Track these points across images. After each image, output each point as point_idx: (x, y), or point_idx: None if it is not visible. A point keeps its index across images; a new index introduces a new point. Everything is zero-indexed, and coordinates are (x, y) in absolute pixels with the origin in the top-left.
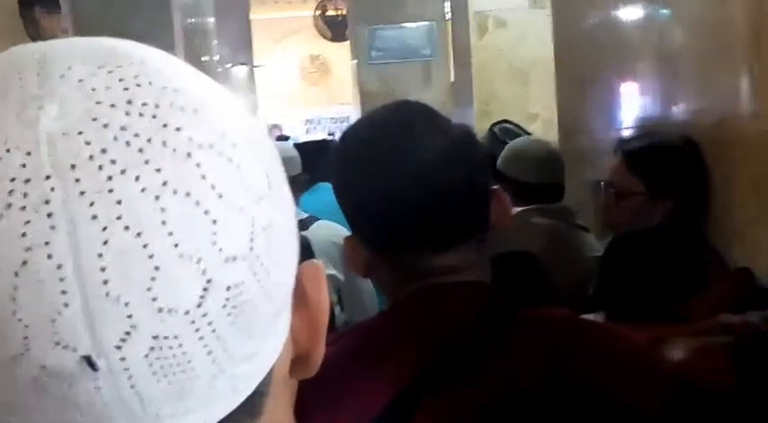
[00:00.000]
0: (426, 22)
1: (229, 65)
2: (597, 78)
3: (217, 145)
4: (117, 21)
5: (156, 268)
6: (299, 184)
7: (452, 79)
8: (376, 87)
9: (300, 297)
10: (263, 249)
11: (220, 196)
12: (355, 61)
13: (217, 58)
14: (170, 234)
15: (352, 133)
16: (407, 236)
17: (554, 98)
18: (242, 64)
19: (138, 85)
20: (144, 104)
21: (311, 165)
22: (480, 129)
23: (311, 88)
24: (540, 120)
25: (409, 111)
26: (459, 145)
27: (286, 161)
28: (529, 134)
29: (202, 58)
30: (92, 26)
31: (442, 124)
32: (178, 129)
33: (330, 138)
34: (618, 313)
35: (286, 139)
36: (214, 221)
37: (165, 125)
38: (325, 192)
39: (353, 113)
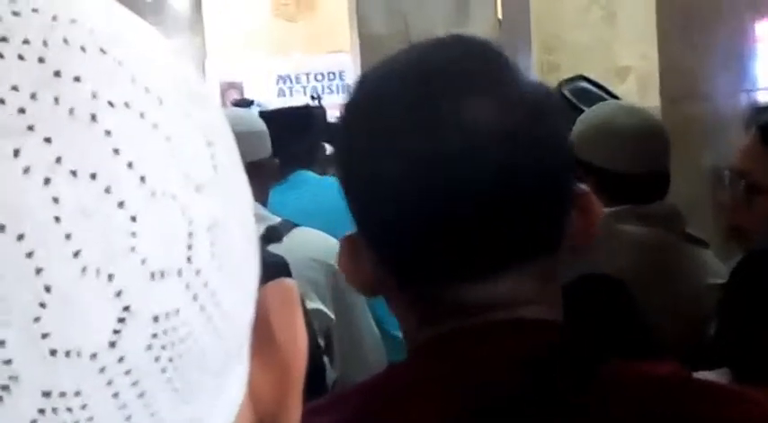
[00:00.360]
0: None
1: None
2: (718, 18)
3: (135, 103)
4: None
5: (47, 289)
6: (268, 173)
7: (499, 15)
8: (383, 26)
9: (263, 333)
10: (206, 260)
11: (142, 180)
12: None
13: None
14: (67, 237)
15: (363, 96)
16: (444, 257)
17: (654, 45)
18: None
19: (16, 14)
20: (25, 42)
21: (285, 144)
22: None
23: (286, 27)
24: (634, 76)
25: (458, 56)
26: (538, 118)
27: (246, 138)
28: (616, 98)
29: None
30: None
31: (516, 82)
32: (77, 78)
33: (314, 104)
34: (751, 371)
35: (249, 104)
36: (133, 218)
37: (57, 73)
38: (305, 184)
39: (349, 67)
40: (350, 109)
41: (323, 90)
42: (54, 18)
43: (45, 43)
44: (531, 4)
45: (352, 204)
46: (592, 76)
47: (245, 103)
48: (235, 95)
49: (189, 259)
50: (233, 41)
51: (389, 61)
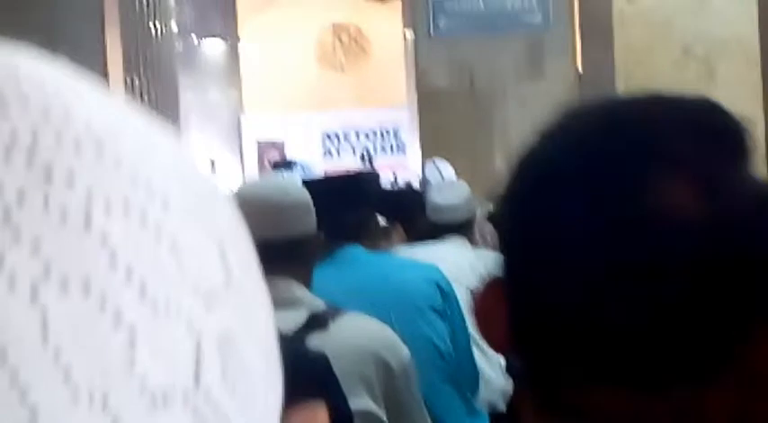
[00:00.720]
0: None
1: (194, 38)
2: None
3: (136, 206)
4: None
5: (33, 416)
6: (313, 251)
7: (579, 68)
8: (445, 80)
9: None
10: (217, 382)
11: (142, 292)
12: (409, 33)
13: (174, 27)
14: (56, 358)
15: (551, 151)
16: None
17: (759, 106)
18: (217, 36)
19: (4, 105)
20: (12, 137)
21: (332, 216)
22: None
23: (333, 79)
24: None
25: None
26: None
27: (289, 211)
28: None
29: (151, 25)
30: None
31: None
32: (70, 178)
33: (365, 168)
34: None
35: (291, 166)
36: (131, 337)
37: (47, 171)
38: (354, 261)
39: (405, 122)
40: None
41: (375, 149)
42: (46, 110)
43: (34, 138)
44: (615, 56)
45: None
46: None
47: (287, 165)
48: (275, 156)
49: (196, 381)
50: (273, 95)
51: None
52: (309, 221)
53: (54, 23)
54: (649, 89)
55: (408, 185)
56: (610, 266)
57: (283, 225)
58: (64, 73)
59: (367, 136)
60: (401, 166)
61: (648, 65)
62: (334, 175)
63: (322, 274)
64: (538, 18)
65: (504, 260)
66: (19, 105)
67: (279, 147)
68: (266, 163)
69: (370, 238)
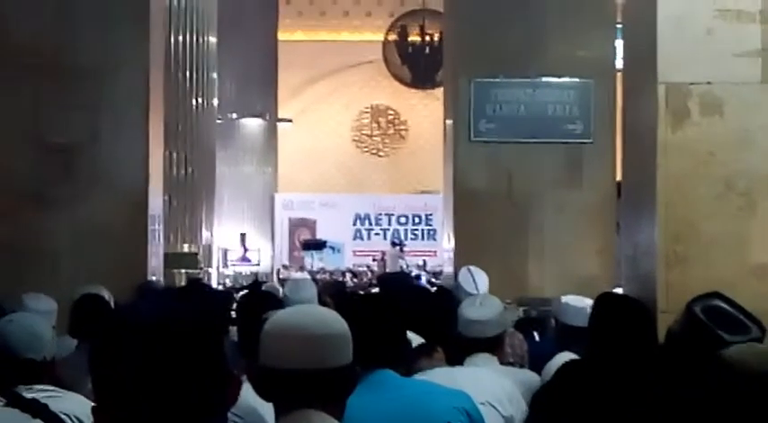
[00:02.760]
0: (577, 79)
1: (234, 116)
2: None
3: None
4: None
5: None
6: (347, 383)
7: (618, 178)
8: (483, 180)
9: None
10: None
11: None
12: (450, 125)
13: (216, 102)
14: None
15: None
16: None
17: None
18: (257, 114)
19: None
20: None
21: (364, 340)
22: (668, 285)
23: (368, 162)
24: None
25: None
26: None
27: (327, 341)
28: (755, 321)
29: (193, 102)
30: None
31: None
32: None
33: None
34: None
35: (322, 246)
36: None
37: None
38: (385, 386)
39: (438, 209)
40: None
41: (406, 235)
42: None
43: None
44: (658, 188)
45: None
46: (724, 274)
47: (317, 245)
48: (306, 235)
49: None
50: (308, 174)
51: None
52: (347, 354)
53: (99, 97)
54: None
55: (443, 292)
56: None
57: (321, 357)
58: None
59: (399, 220)
60: (431, 253)
61: (690, 194)
62: (369, 296)
63: (352, 398)
64: (579, 128)
65: None
66: None
67: (310, 225)
68: (296, 241)
69: (404, 363)
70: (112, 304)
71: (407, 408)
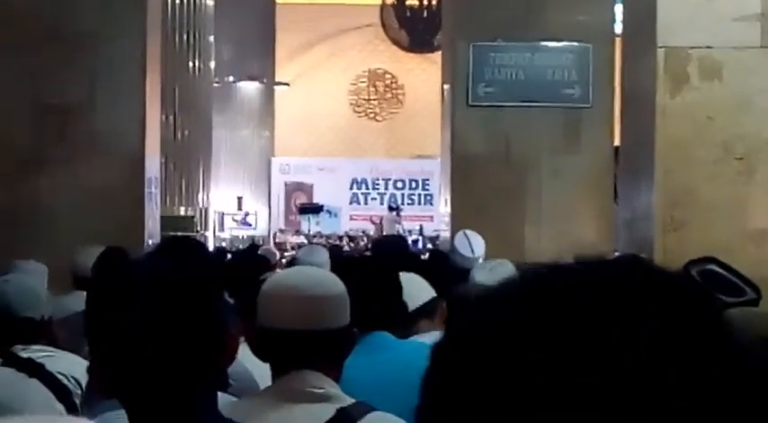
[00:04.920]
0: (576, 43)
1: (231, 79)
2: None
3: None
4: None
5: None
6: (344, 344)
7: (616, 143)
8: (481, 144)
9: None
10: None
11: None
12: (448, 89)
13: (213, 66)
14: None
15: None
16: None
17: None
18: (254, 78)
19: None
20: None
21: (361, 302)
22: (666, 250)
23: (365, 126)
24: None
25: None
26: None
27: (323, 302)
28: (751, 285)
29: (189, 64)
30: None
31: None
32: None
33: (392, 217)
34: None
35: (318, 210)
36: None
37: None
38: (382, 348)
39: (435, 174)
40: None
41: (402, 199)
42: None
43: None
44: (657, 149)
45: None
46: (727, 242)
47: (314, 209)
48: (302, 198)
49: None
50: (305, 138)
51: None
52: (344, 315)
53: (96, 62)
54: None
55: (437, 253)
56: None
57: (319, 318)
58: None
59: (395, 185)
60: (427, 218)
61: (688, 157)
62: (365, 258)
63: (350, 360)
64: (578, 92)
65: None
66: None
67: (307, 190)
68: (293, 205)
69: (399, 323)
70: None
71: (403, 370)
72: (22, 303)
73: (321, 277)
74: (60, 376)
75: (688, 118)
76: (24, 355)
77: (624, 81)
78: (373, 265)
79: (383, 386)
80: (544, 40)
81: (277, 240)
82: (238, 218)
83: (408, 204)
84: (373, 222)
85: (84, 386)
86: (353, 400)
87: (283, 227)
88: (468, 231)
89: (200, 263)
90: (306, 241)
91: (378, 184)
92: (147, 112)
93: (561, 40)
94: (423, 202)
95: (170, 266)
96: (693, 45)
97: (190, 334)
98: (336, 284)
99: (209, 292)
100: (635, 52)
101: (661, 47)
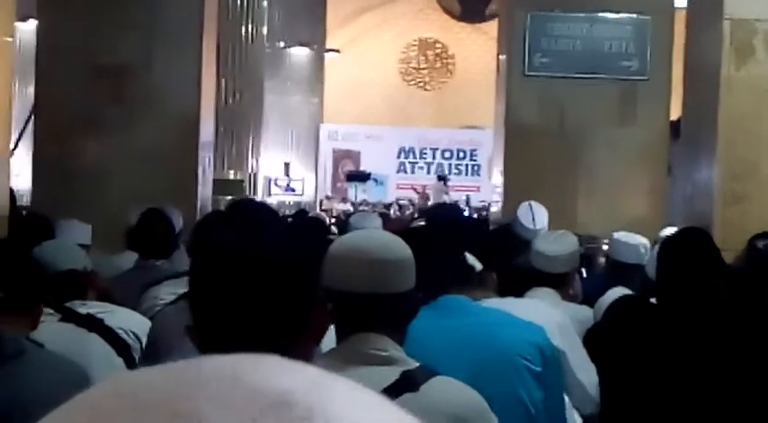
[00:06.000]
0: (635, 15)
1: (282, 44)
2: None
3: None
4: None
5: None
6: (410, 309)
7: (672, 117)
8: (535, 115)
9: None
10: None
11: None
12: (503, 59)
13: (265, 31)
14: None
15: None
16: None
17: None
18: (305, 44)
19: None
20: None
21: (433, 265)
22: (725, 223)
23: (415, 95)
24: None
25: None
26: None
27: (390, 267)
28: None
29: (243, 30)
30: None
31: None
32: None
33: (439, 187)
34: None
35: (366, 177)
36: None
37: None
38: (456, 312)
39: (484, 145)
40: None
41: (449, 169)
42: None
43: None
44: (720, 122)
45: None
46: None
47: (361, 177)
48: (350, 166)
49: None
50: (354, 105)
51: None
52: (410, 279)
53: (153, 22)
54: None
55: (504, 228)
56: None
57: (384, 282)
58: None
59: (443, 154)
60: (474, 188)
61: (752, 131)
62: (438, 221)
63: (424, 322)
64: (635, 64)
65: None
66: None
67: (354, 157)
68: (340, 172)
69: (468, 287)
70: (181, 223)
71: (476, 336)
72: (63, 257)
73: (389, 240)
74: (120, 331)
75: (752, 91)
76: (83, 310)
77: (687, 52)
78: (437, 229)
79: (456, 347)
80: (603, 11)
81: (323, 207)
82: (282, 184)
83: (455, 174)
84: (417, 191)
85: (143, 341)
86: (417, 364)
87: (330, 194)
88: (533, 203)
89: (308, 233)
90: (352, 209)
91: (425, 154)
92: (203, 74)
93: (620, 12)
94: (470, 172)
95: (286, 241)
96: (759, 17)
97: (283, 303)
98: (403, 248)
99: (309, 264)
100: (699, 23)
101: (727, 18)
